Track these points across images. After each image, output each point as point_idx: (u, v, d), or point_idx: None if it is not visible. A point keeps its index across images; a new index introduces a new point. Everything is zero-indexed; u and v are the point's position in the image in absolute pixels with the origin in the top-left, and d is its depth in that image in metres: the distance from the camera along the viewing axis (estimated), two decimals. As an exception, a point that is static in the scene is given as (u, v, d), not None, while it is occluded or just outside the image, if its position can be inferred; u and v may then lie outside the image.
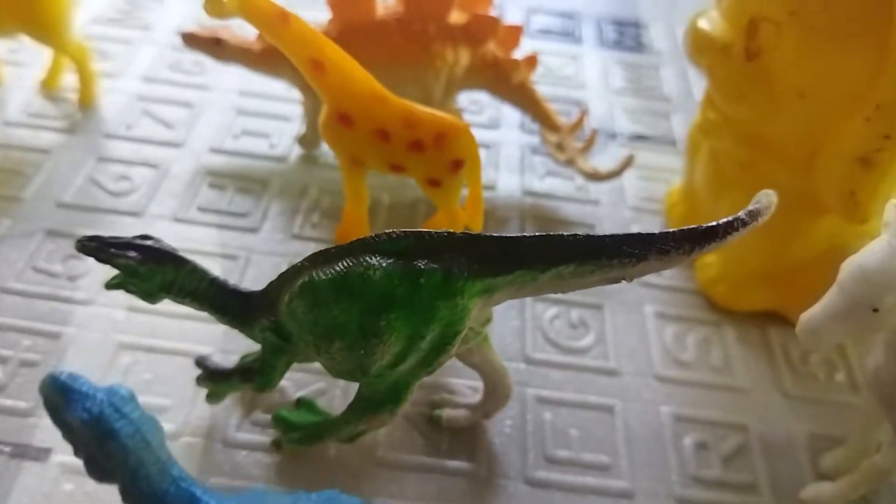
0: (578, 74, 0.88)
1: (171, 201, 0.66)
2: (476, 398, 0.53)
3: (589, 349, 0.60)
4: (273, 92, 0.79)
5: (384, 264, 0.41)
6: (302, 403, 0.51)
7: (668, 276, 0.66)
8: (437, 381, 0.55)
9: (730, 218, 0.42)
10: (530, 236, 0.41)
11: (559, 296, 0.63)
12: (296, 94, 0.76)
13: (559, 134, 0.71)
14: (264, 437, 0.50)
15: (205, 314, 0.48)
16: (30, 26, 0.68)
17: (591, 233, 0.41)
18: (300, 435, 0.49)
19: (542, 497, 0.50)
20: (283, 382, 0.53)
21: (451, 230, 0.42)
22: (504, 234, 0.42)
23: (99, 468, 0.29)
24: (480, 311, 0.43)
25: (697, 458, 0.54)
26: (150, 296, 0.46)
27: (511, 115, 0.80)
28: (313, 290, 0.43)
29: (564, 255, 0.41)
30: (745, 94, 0.54)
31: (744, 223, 0.42)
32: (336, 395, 0.54)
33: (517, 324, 0.61)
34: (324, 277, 0.42)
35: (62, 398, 0.29)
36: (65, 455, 0.48)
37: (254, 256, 0.63)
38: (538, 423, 0.54)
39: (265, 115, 0.76)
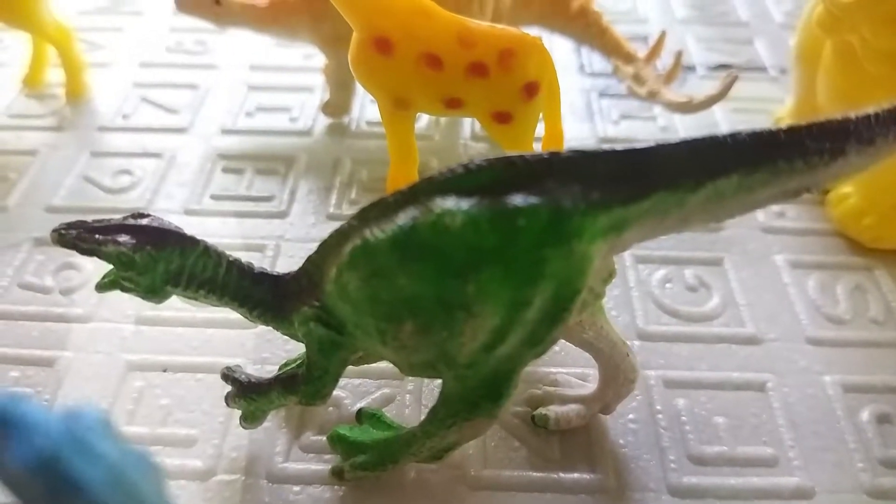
0: (637, 8, 0.76)
1: (180, 192, 0.55)
2: (589, 388, 0.41)
3: (717, 314, 0.47)
4: (289, 63, 0.68)
5: (464, 206, 0.29)
6: (365, 417, 0.39)
7: (794, 215, 0.54)
8: (532, 372, 0.43)
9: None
10: (669, 143, 0.29)
11: (666, 253, 0.51)
12: (315, 62, 0.65)
13: (635, 64, 0.58)
14: (321, 466, 0.39)
15: (232, 316, 0.37)
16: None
17: None
18: (367, 458, 0.37)
19: (696, 510, 0.37)
20: (339, 392, 0.42)
21: (554, 149, 0.30)
22: (630, 147, 0.29)
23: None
24: (603, 261, 0.31)
25: (882, 436, 0.41)
26: (154, 293, 0.35)
27: (566, 57, 0.69)
28: (368, 256, 0.31)
29: (723, 164, 0.28)
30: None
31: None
32: (406, 401, 0.42)
33: (619, 292, 0.48)
34: (381, 236, 0.31)
35: None
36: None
37: (284, 245, 0.51)
38: (672, 413, 0.41)
39: (282, 88, 0.65)
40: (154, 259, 0.34)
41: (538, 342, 0.31)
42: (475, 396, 0.32)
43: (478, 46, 0.41)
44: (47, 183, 0.56)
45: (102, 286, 0.36)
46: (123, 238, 0.34)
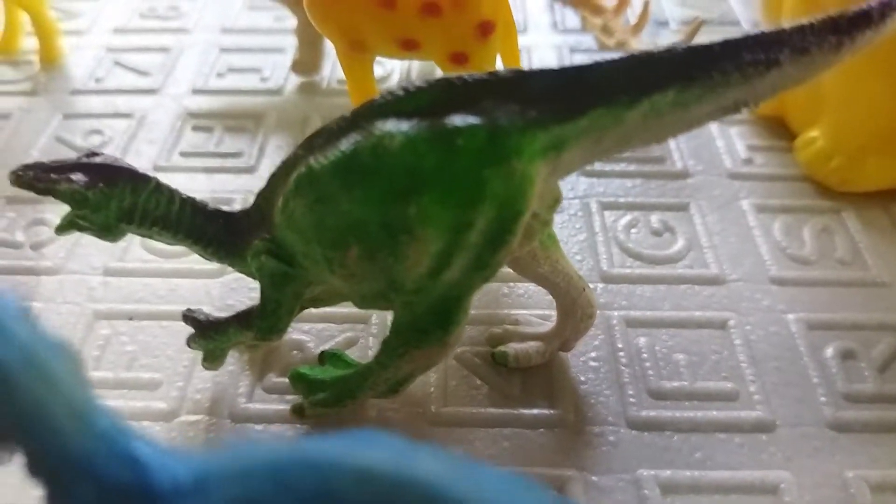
0: (611, -34, 0.76)
1: (150, 150, 0.55)
2: (548, 327, 0.41)
3: (681, 257, 0.47)
4: (260, 25, 0.68)
5: (403, 128, 0.29)
6: (326, 357, 0.40)
7: (762, 161, 0.54)
8: (494, 314, 0.43)
9: (887, -3, 0.29)
10: (606, 61, 0.29)
11: (633, 200, 0.51)
12: (286, 24, 0.65)
13: (604, 16, 0.58)
14: (283, 406, 0.39)
15: (198, 265, 0.37)
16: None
17: None
18: (327, 395, 0.37)
19: (655, 442, 0.38)
20: (302, 336, 0.42)
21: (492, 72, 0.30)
22: (567, 65, 0.29)
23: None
24: (546, 184, 0.31)
25: (846, 371, 0.41)
26: (108, 230, 0.35)
27: (539, 14, 0.69)
28: (313, 182, 0.31)
29: (659, 79, 0.28)
30: None
31: (909, 3, 0.29)
32: (370, 344, 0.42)
33: (584, 237, 0.48)
34: (324, 162, 0.31)
35: None
36: None
37: (252, 198, 0.51)
38: (633, 351, 0.42)
39: (253, 50, 0.65)
40: (107, 196, 0.34)
41: (484, 266, 0.31)
42: (424, 324, 0.33)
43: (430, -14, 0.41)
44: (20, 145, 0.56)
45: (61, 227, 0.36)
46: (77, 176, 0.34)
